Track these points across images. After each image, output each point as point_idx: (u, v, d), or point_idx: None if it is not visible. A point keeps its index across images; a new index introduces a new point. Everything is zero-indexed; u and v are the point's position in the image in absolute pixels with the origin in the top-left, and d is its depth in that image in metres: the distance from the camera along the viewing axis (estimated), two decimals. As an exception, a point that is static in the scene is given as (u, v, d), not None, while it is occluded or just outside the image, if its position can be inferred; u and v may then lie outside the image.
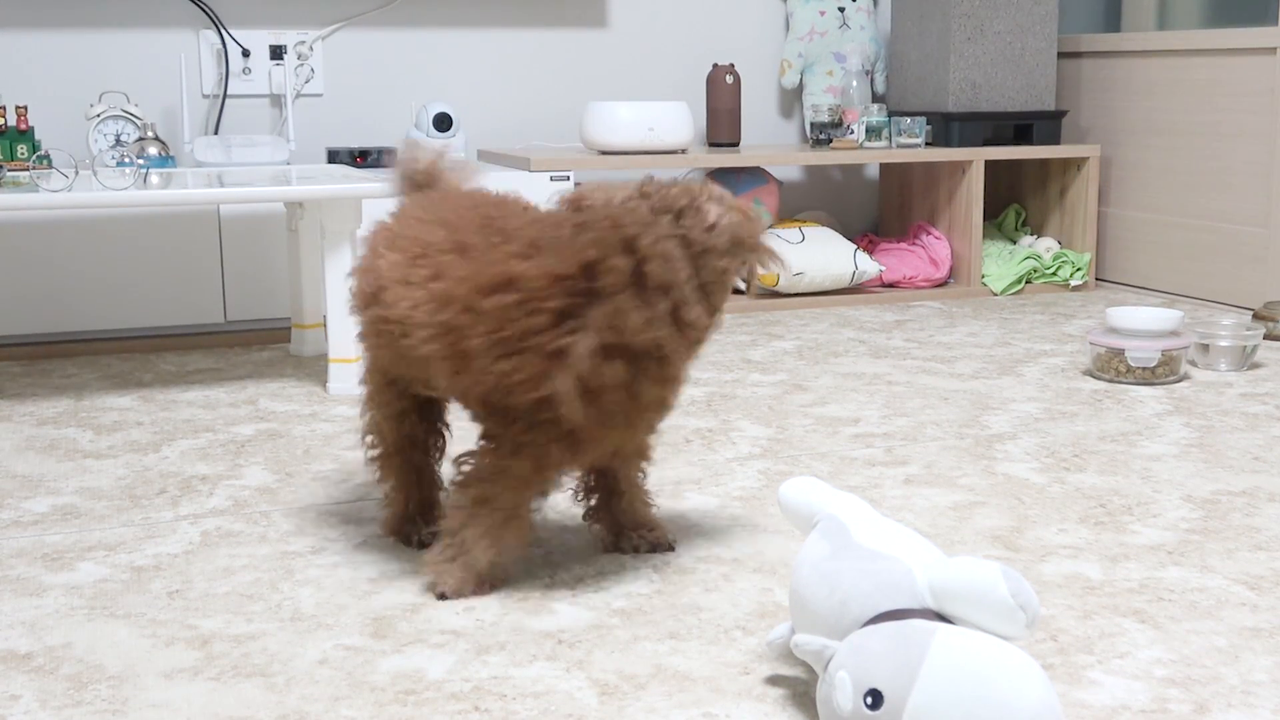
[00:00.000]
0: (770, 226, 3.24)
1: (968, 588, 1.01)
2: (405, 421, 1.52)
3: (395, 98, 3.16)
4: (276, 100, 3.07)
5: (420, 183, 1.55)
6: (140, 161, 2.37)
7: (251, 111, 3.06)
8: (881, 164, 3.56)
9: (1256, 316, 2.69)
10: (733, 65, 3.26)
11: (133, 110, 2.80)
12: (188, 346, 2.75)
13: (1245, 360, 2.42)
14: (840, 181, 3.61)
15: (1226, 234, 3.05)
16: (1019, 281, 3.28)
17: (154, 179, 2.37)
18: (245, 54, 3.01)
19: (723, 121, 3.27)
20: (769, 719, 1.13)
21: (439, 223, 1.41)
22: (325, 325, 2.56)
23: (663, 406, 1.37)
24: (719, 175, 3.22)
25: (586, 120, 3.02)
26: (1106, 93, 3.37)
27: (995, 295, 3.26)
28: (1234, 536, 1.56)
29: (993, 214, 3.58)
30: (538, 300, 1.29)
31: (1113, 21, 3.62)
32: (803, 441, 1.98)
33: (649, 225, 1.28)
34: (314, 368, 2.53)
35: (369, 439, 1.56)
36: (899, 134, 3.21)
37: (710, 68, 3.31)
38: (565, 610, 1.36)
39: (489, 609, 1.37)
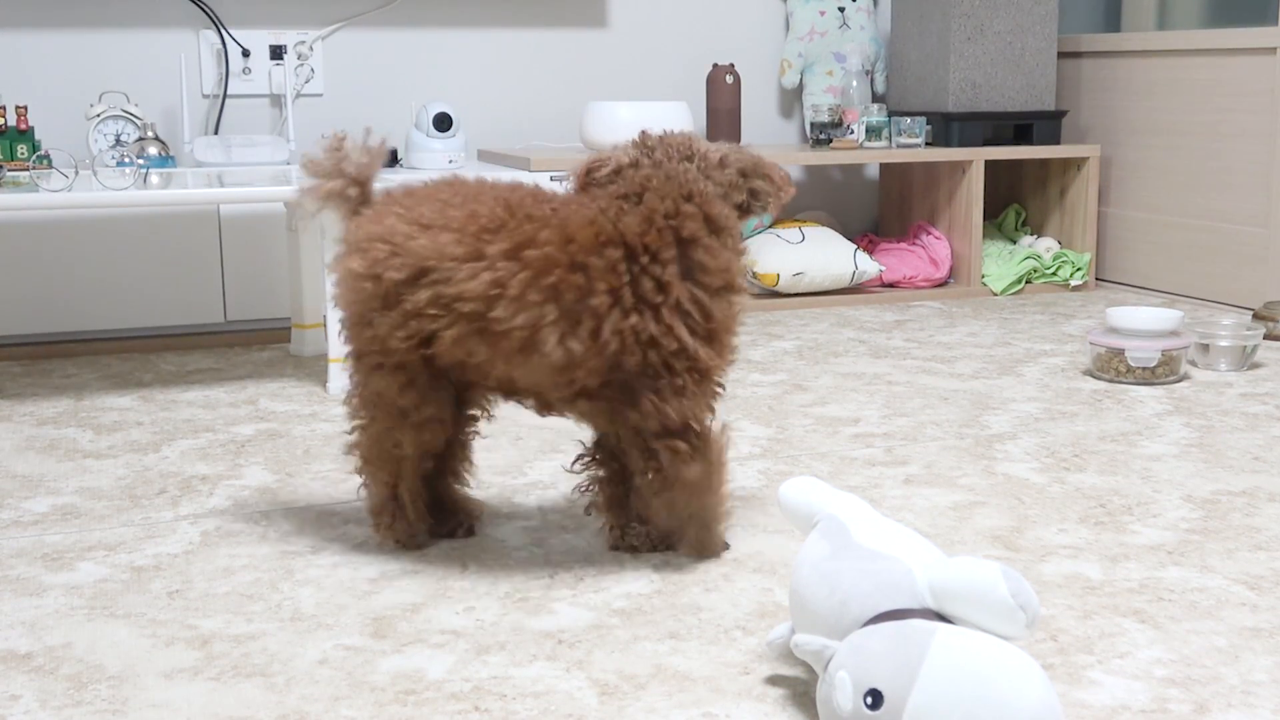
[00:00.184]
0: (770, 226, 3.24)
1: (968, 588, 1.01)
2: (430, 430, 1.47)
3: (395, 98, 3.16)
4: (276, 100, 3.07)
5: (360, 182, 1.49)
6: (140, 161, 2.37)
7: (251, 111, 3.06)
8: (881, 164, 3.56)
9: (1256, 316, 2.69)
10: (733, 65, 3.26)
11: (133, 110, 2.80)
12: (188, 346, 2.75)
13: (1245, 360, 2.42)
14: (840, 181, 3.61)
15: (1226, 234, 3.05)
16: (1019, 281, 3.28)
17: (154, 179, 2.37)
18: (245, 54, 3.01)
19: (723, 121, 3.27)
20: (769, 719, 1.13)
21: (473, 200, 1.41)
22: (325, 325, 2.56)
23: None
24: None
25: (586, 120, 3.02)
26: (1106, 93, 3.37)
27: (995, 295, 3.26)
28: (1234, 536, 1.56)
29: (993, 214, 3.58)
30: (646, 254, 1.38)
31: (1113, 21, 3.62)
32: (803, 441, 1.98)
33: (697, 178, 1.42)
34: (314, 368, 2.53)
35: (370, 451, 1.49)
36: (899, 134, 3.21)
37: (710, 68, 3.31)
38: (565, 610, 1.36)
39: (489, 609, 1.37)
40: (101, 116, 2.78)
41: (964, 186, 3.23)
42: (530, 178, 2.83)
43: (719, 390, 1.45)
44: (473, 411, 1.53)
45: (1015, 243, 3.43)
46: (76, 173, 2.30)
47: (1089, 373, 2.39)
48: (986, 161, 3.38)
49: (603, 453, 1.50)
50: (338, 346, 2.29)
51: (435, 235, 1.38)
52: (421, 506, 1.53)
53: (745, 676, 1.21)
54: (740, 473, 1.82)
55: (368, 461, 1.50)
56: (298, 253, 2.61)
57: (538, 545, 1.55)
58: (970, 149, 3.20)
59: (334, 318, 1.46)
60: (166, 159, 2.76)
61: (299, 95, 3.09)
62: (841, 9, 3.47)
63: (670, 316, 1.38)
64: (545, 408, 1.47)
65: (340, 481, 1.81)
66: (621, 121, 3.00)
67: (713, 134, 3.28)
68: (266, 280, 2.78)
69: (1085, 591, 1.39)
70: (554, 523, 1.63)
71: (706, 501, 1.47)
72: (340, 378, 2.29)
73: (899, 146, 3.22)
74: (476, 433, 1.56)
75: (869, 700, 0.98)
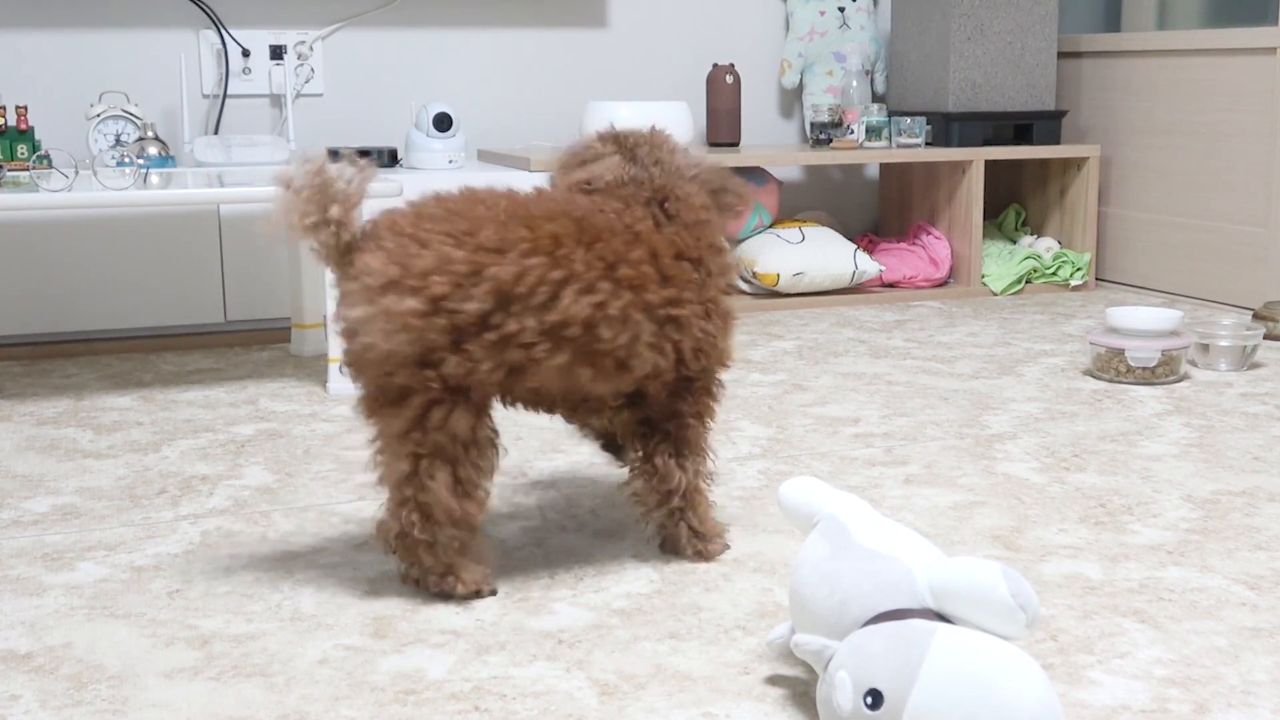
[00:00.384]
0: (770, 226, 3.24)
1: (968, 588, 1.01)
2: (492, 456, 1.37)
3: (395, 98, 3.16)
4: (276, 100, 3.07)
5: (343, 222, 1.32)
6: (140, 161, 2.37)
7: (251, 111, 3.06)
8: (881, 164, 3.56)
9: (1256, 316, 2.69)
10: (733, 65, 3.26)
11: (133, 110, 2.80)
12: (188, 346, 2.75)
13: (1245, 360, 2.42)
14: (840, 181, 3.61)
15: (1226, 234, 3.05)
16: (1019, 281, 3.28)
17: (154, 179, 2.37)
18: (245, 54, 3.01)
19: (723, 121, 3.27)
20: (769, 719, 1.13)
21: (517, 214, 1.33)
22: (325, 325, 2.56)
23: None
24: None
25: (586, 120, 3.02)
26: (1106, 93, 3.37)
27: (995, 295, 3.26)
28: (1234, 536, 1.56)
29: (993, 214, 3.58)
30: (701, 263, 1.43)
31: (1113, 21, 3.62)
32: (803, 441, 1.98)
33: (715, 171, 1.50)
34: (314, 368, 2.53)
35: (443, 508, 1.33)
36: (899, 134, 3.21)
37: (710, 68, 3.31)
38: (565, 610, 1.36)
39: (489, 609, 1.37)
40: (101, 116, 2.78)
41: (964, 186, 3.23)
42: (530, 178, 2.83)
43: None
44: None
45: (1015, 243, 3.43)
46: (76, 173, 2.30)
47: (1089, 373, 2.39)
48: (986, 161, 3.38)
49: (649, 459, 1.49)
50: (338, 347, 2.28)
51: (512, 259, 1.30)
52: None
53: (745, 676, 1.21)
54: (740, 473, 1.82)
55: (438, 521, 1.34)
56: (298, 253, 2.61)
57: (538, 545, 1.55)
58: (970, 149, 3.20)
59: (356, 367, 1.27)
60: (166, 159, 2.76)
61: (299, 95, 3.09)
62: (841, 9, 3.47)
63: (720, 321, 1.45)
64: (578, 415, 1.49)
65: (340, 481, 1.81)
66: (621, 122, 2.99)
67: (713, 134, 3.28)
68: (266, 280, 2.78)
69: (1085, 591, 1.39)
70: (554, 523, 1.63)
71: (705, 503, 1.50)
72: (341, 379, 2.29)
73: (899, 146, 3.22)
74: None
75: (869, 700, 0.98)
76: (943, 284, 3.29)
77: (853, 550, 1.12)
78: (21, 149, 2.63)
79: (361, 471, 1.85)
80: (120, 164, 2.38)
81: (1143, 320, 2.32)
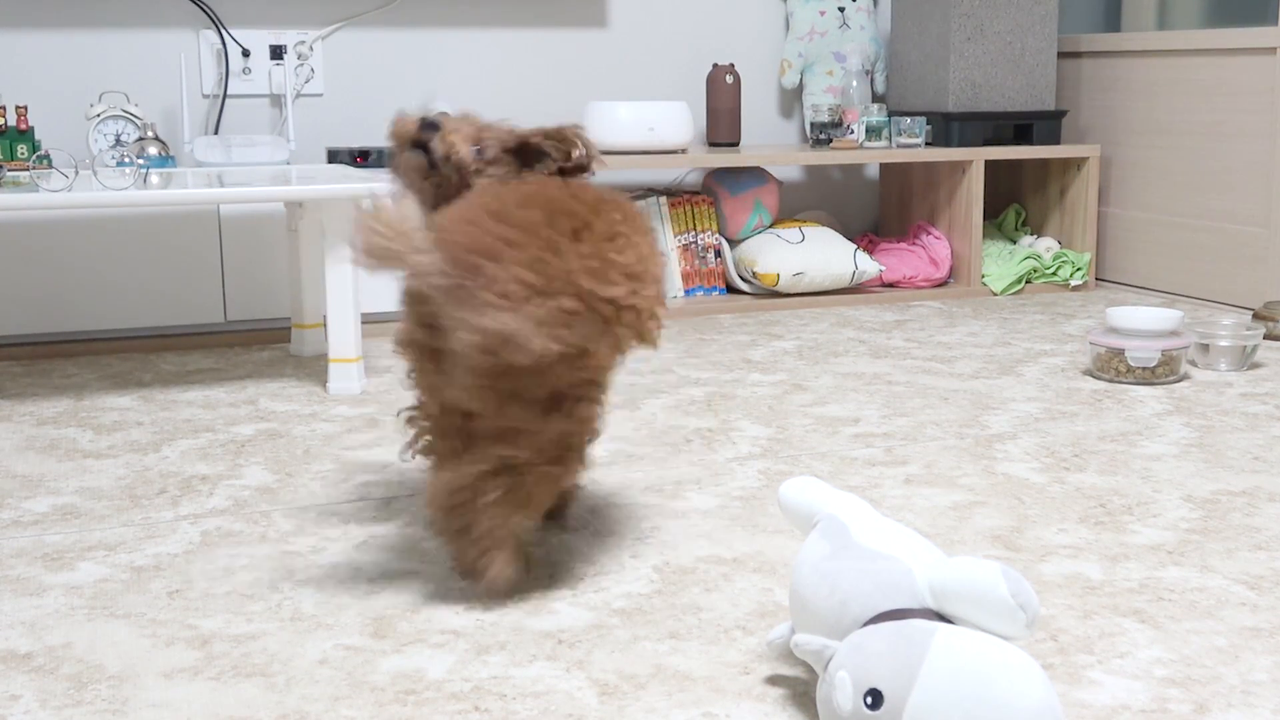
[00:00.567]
0: (770, 226, 3.24)
1: (968, 588, 1.01)
2: None
3: (395, 98, 3.17)
4: (276, 100, 3.07)
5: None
6: (140, 161, 2.37)
7: (251, 111, 3.06)
8: (881, 164, 3.56)
9: (1256, 316, 2.69)
10: (733, 65, 3.26)
11: (133, 110, 2.80)
12: (188, 346, 2.75)
13: (1245, 360, 2.42)
14: (840, 181, 3.61)
15: (1226, 234, 3.05)
16: (1019, 281, 3.28)
17: (154, 179, 2.37)
18: (245, 54, 3.01)
19: (723, 121, 3.27)
20: (769, 719, 1.13)
21: (579, 200, 1.38)
22: (325, 325, 2.56)
23: None
24: (719, 175, 3.22)
25: (586, 120, 3.02)
26: (1106, 93, 3.37)
27: (995, 295, 3.26)
28: (1234, 536, 1.56)
29: (993, 214, 3.58)
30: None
31: (1113, 21, 3.62)
32: (803, 441, 1.98)
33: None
34: (314, 368, 2.53)
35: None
36: (899, 134, 3.21)
37: (710, 68, 3.31)
38: (565, 610, 1.36)
39: (489, 609, 1.37)
40: (101, 116, 2.78)
41: (964, 186, 3.23)
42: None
43: None
44: None
45: (1015, 243, 3.43)
46: (76, 173, 2.30)
47: (1089, 373, 2.39)
48: (986, 161, 3.38)
49: None
50: (338, 346, 2.29)
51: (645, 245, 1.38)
52: None
53: (745, 676, 1.21)
54: (740, 473, 1.82)
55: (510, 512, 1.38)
56: (298, 253, 2.61)
57: (538, 545, 1.55)
58: (970, 149, 3.20)
59: (490, 376, 1.32)
60: (166, 159, 2.76)
61: (299, 95, 3.09)
62: (841, 9, 3.47)
63: None
64: None
65: (340, 481, 1.81)
66: (621, 122, 3.00)
67: (713, 134, 3.28)
68: (266, 280, 2.78)
69: (1085, 591, 1.39)
70: (554, 522, 1.63)
71: None
72: (343, 378, 2.29)
73: (899, 146, 3.22)
74: None
75: (869, 700, 0.98)
76: (943, 284, 3.29)
77: (853, 550, 1.12)
78: (21, 149, 2.63)
79: (361, 471, 1.85)
80: (120, 164, 2.38)
81: (1143, 320, 2.32)
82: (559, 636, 1.30)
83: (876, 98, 3.55)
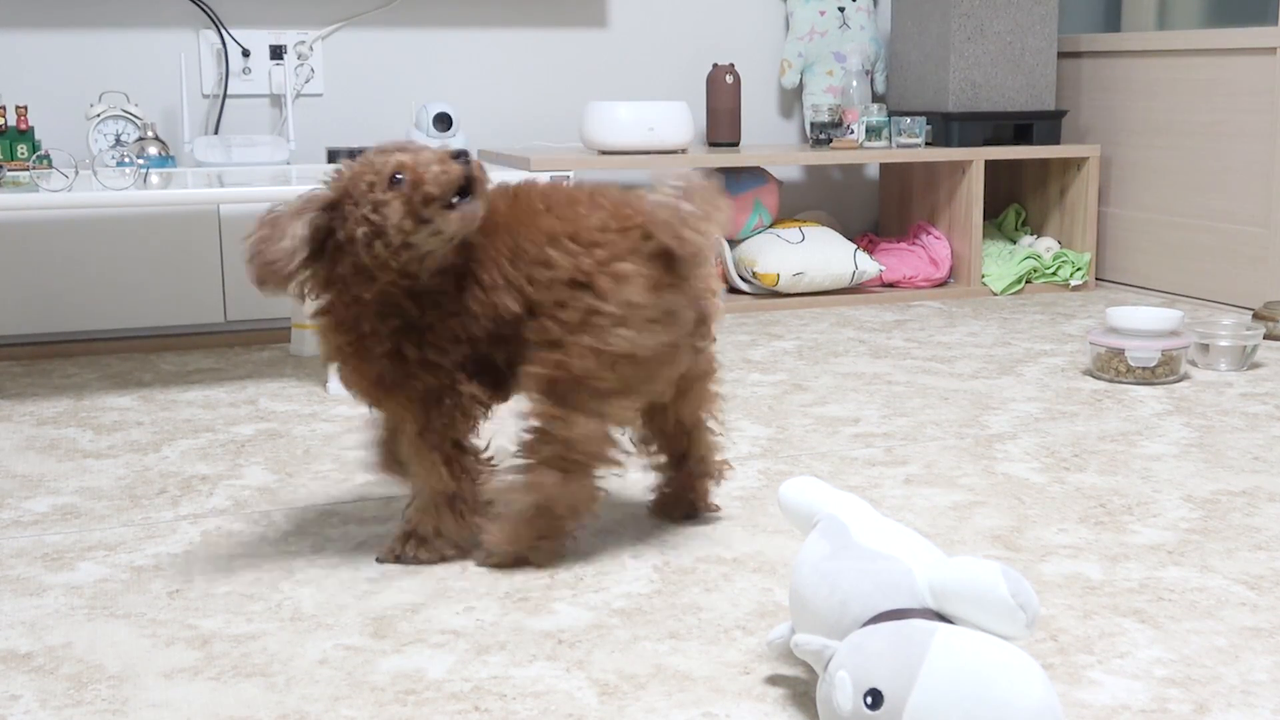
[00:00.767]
0: (770, 226, 3.24)
1: (968, 588, 1.01)
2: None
3: (395, 98, 3.17)
4: (276, 100, 3.07)
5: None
6: (140, 161, 2.37)
7: (251, 111, 3.06)
8: (881, 164, 3.56)
9: (1256, 316, 2.69)
10: (733, 65, 3.26)
11: (133, 110, 2.80)
12: (188, 346, 2.75)
13: (1245, 360, 2.42)
14: (840, 181, 3.61)
15: (1226, 234, 3.05)
16: (1019, 281, 3.28)
17: (154, 179, 2.37)
18: (245, 54, 3.01)
19: (723, 121, 3.27)
20: (769, 719, 1.13)
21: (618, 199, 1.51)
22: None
23: None
24: (719, 175, 3.22)
25: (586, 120, 3.02)
26: (1106, 93, 3.37)
27: (995, 295, 3.26)
28: (1234, 536, 1.56)
29: (993, 214, 3.58)
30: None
31: (1113, 21, 3.62)
32: (803, 441, 1.98)
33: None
34: (314, 368, 2.53)
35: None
36: (899, 134, 3.21)
37: (710, 68, 3.31)
38: (565, 610, 1.36)
39: (489, 609, 1.37)
40: (101, 116, 2.78)
41: (964, 186, 3.23)
42: (530, 178, 2.83)
43: None
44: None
45: (1015, 242, 3.43)
46: (76, 173, 2.30)
47: (1089, 373, 2.39)
48: (986, 161, 3.37)
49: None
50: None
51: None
52: None
53: (745, 676, 1.21)
54: (740, 473, 1.82)
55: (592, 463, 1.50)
56: (298, 253, 2.60)
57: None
58: (970, 149, 3.20)
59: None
60: (166, 159, 2.76)
61: (299, 95, 3.09)
62: (841, 9, 3.47)
63: None
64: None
65: (340, 481, 1.81)
66: (621, 122, 3.00)
67: (713, 134, 3.28)
68: (266, 280, 2.77)
69: (1085, 591, 1.39)
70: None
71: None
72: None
73: (899, 146, 3.22)
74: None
75: (869, 700, 0.98)
76: (943, 284, 3.29)
77: (853, 550, 1.12)
78: (21, 149, 2.63)
79: (361, 471, 1.85)
80: (120, 164, 2.38)
81: (1143, 320, 2.32)
82: (559, 636, 1.30)
83: (876, 98, 3.55)
